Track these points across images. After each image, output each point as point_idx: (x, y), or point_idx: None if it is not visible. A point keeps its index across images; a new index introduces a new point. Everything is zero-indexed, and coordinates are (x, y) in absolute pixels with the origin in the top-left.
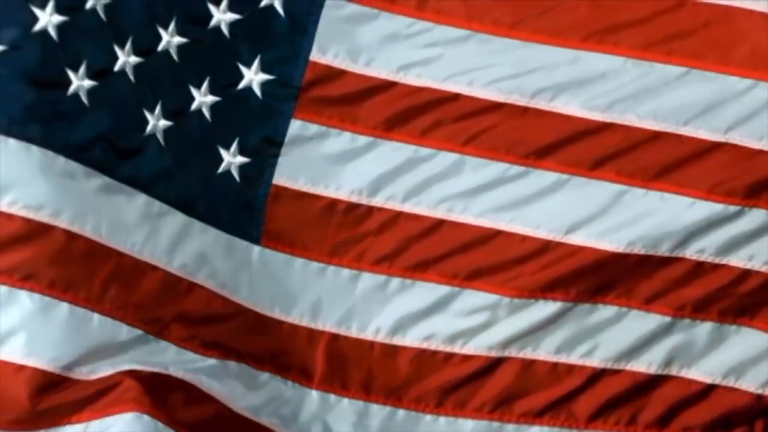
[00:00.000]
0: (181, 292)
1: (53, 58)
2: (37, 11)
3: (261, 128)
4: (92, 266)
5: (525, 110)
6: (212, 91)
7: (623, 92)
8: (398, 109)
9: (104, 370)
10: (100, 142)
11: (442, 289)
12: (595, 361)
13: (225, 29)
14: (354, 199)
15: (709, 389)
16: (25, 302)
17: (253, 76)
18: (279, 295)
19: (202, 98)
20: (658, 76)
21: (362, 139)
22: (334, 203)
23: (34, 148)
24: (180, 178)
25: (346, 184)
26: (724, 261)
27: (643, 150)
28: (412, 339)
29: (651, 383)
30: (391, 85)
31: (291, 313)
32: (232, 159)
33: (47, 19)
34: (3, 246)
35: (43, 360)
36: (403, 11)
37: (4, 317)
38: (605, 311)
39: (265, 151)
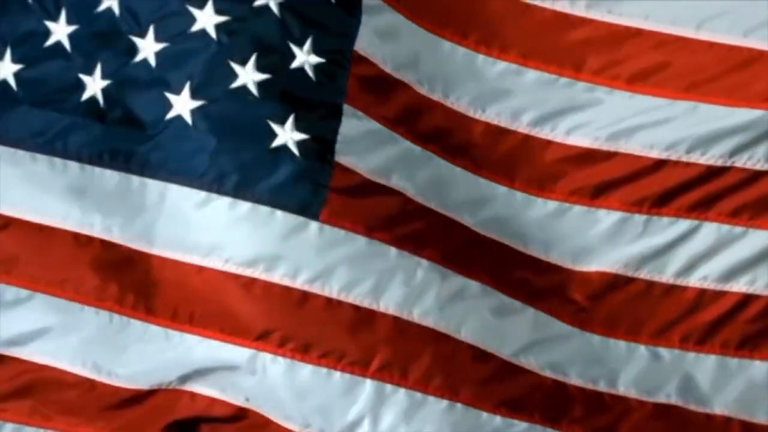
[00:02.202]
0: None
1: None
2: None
3: (316, 107)
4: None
5: (527, 138)
6: (258, 68)
7: (627, 124)
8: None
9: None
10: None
11: None
12: (621, 390)
13: (274, 7)
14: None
15: (729, 421)
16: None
17: (305, 58)
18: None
19: (249, 75)
20: (665, 110)
21: (407, 145)
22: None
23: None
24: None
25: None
26: (726, 288)
27: (647, 178)
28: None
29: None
30: (415, 96)
31: (352, 292)
32: (289, 135)
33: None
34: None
35: None
36: (424, 25)
37: None
38: (616, 347)
39: (324, 128)
